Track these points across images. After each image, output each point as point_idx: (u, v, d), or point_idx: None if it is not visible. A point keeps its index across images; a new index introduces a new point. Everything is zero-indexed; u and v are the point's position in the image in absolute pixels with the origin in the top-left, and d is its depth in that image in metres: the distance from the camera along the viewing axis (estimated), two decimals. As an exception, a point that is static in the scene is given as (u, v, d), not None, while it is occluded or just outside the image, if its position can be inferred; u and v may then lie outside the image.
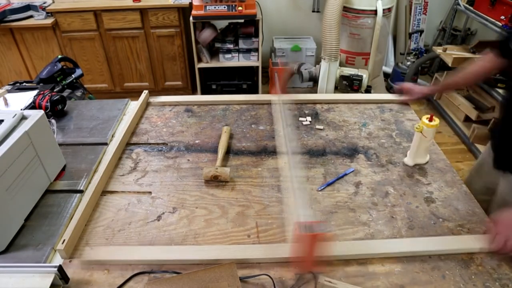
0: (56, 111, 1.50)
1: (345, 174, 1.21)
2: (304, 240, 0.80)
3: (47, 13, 3.05)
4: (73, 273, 0.90)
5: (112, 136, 1.41)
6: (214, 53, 3.35)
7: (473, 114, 2.84)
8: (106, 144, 1.36)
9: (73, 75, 1.91)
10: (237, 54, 3.28)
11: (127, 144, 1.37)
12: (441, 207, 1.09)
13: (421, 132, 1.19)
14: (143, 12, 3.06)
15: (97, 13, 3.04)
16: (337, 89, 2.75)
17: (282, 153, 1.29)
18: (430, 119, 1.19)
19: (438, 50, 2.97)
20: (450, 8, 3.52)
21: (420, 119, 1.22)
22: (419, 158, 1.27)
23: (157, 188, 1.17)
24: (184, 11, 3.11)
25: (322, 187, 1.15)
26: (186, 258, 0.93)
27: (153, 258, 0.93)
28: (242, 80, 3.37)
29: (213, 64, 3.30)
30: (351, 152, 1.32)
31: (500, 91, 2.50)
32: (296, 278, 0.89)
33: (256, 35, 3.17)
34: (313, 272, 0.88)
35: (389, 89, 3.57)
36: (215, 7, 2.95)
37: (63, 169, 1.23)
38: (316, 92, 2.77)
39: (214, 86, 3.37)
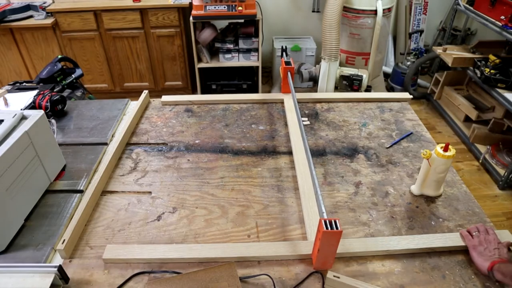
0: (56, 111, 1.50)
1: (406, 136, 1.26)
2: (329, 237, 0.82)
3: (47, 13, 3.05)
4: (73, 273, 0.90)
5: (112, 136, 1.41)
6: (214, 53, 3.35)
7: (473, 114, 2.84)
8: (106, 144, 1.36)
9: (73, 75, 1.91)
10: (237, 54, 3.28)
11: (127, 144, 1.37)
12: (441, 207, 1.09)
13: (427, 160, 1.03)
14: (143, 12, 3.06)
15: (97, 13, 3.04)
16: (337, 89, 2.75)
17: (292, 149, 1.30)
18: (445, 149, 1.00)
19: (438, 50, 2.97)
20: (450, 8, 3.52)
21: (421, 119, 1.21)
22: (428, 189, 1.11)
23: (157, 188, 1.17)
24: (184, 11, 3.11)
25: (390, 145, 1.22)
26: (186, 256, 0.93)
27: (153, 257, 0.93)
28: (242, 80, 3.37)
29: (213, 64, 3.30)
30: (351, 152, 1.32)
31: (500, 91, 2.50)
32: (299, 277, 0.89)
33: (256, 35, 3.17)
34: (325, 269, 0.90)
35: (389, 89, 3.57)
36: (215, 7, 2.95)
37: (63, 169, 1.23)
38: (316, 92, 2.77)
39: (214, 86, 3.37)
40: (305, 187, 1.12)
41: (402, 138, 1.28)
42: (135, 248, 0.95)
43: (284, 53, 1.66)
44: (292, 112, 1.48)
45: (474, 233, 0.94)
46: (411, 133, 1.27)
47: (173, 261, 0.93)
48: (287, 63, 1.57)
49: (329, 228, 0.81)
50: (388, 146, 1.23)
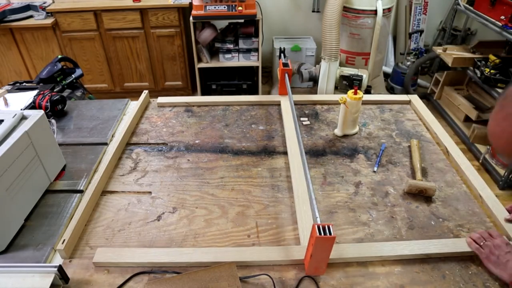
0: (56, 111, 1.50)
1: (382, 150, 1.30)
2: (323, 243, 0.80)
3: (47, 13, 3.05)
4: (73, 273, 0.90)
5: (112, 136, 1.41)
6: (214, 53, 3.35)
7: (473, 114, 2.84)
8: (106, 144, 1.36)
9: (73, 75, 1.91)
10: (237, 54, 3.28)
11: (127, 144, 1.37)
12: (441, 207, 1.09)
13: (344, 103, 1.30)
14: (143, 12, 3.06)
15: (97, 13, 3.04)
16: (337, 89, 2.75)
17: (288, 152, 1.29)
18: (355, 93, 1.29)
19: (438, 50, 2.97)
20: (450, 8, 3.52)
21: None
22: (348, 129, 1.38)
23: (157, 188, 1.17)
24: (184, 11, 3.11)
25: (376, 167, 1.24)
26: (177, 260, 0.92)
27: (144, 261, 0.92)
28: (242, 80, 3.37)
29: (213, 64, 3.30)
30: (351, 152, 1.32)
31: (500, 91, 2.50)
32: (297, 280, 0.89)
33: (256, 35, 3.17)
34: (317, 275, 0.89)
35: (389, 89, 3.57)
36: (215, 7, 2.95)
37: (63, 169, 1.23)
38: (316, 92, 2.77)
39: (214, 86, 3.37)
40: (299, 191, 1.11)
41: (381, 154, 1.28)
42: (126, 251, 0.94)
43: (282, 55, 1.65)
44: (288, 115, 1.47)
45: (481, 243, 0.92)
46: (385, 146, 1.31)
47: (165, 265, 0.92)
48: (285, 64, 1.56)
49: (322, 234, 0.79)
50: (374, 170, 1.22)
